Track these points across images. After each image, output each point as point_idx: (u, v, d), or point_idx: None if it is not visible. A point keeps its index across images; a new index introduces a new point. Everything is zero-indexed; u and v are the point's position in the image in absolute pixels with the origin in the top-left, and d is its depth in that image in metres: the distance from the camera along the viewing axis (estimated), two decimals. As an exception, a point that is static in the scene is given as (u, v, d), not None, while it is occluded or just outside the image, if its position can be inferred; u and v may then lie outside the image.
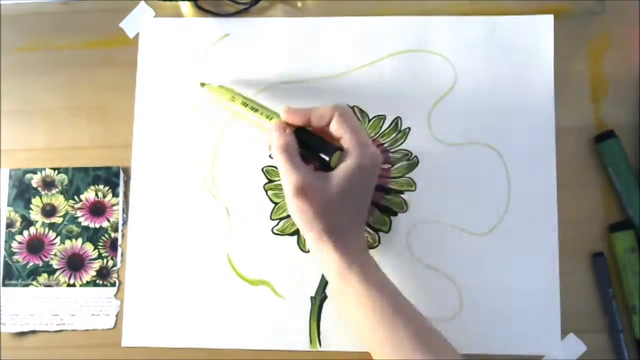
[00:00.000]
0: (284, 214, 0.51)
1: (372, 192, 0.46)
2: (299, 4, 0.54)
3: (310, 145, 0.46)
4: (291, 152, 0.44)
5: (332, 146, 0.45)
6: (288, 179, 0.43)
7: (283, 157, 0.44)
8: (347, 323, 0.48)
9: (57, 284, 0.51)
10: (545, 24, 0.52)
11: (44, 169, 0.53)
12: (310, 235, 0.44)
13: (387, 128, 0.52)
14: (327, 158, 0.44)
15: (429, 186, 0.51)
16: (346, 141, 0.44)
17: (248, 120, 0.48)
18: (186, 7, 0.54)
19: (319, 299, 0.50)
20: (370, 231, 0.51)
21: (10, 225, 0.52)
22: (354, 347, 0.49)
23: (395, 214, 0.51)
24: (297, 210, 0.43)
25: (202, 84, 0.51)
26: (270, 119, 0.47)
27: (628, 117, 0.51)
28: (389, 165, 0.51)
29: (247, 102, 0.48)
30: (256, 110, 0.48)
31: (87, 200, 0.52)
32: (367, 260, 0.44)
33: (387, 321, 0.41)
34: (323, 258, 0.44)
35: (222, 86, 0.51)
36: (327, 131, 0.45)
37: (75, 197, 0.52)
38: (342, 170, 0.44)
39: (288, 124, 0.46)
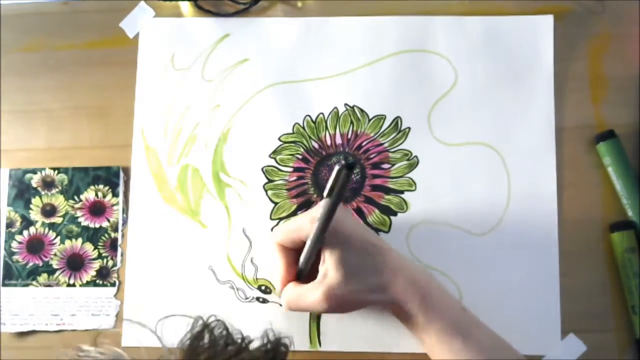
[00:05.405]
0: (284, 214, 0.51)
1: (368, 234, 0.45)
2: (299, 4, 0.54)
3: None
4: (285, 280, 0.46)
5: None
6: (310, 303, 0.44)
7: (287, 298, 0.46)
8: None
9: (57, 284, 0.51)
10: (545, 24, 0.52)
11: (44, 169, 0.53)
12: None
13: (387, 128, 0.52)
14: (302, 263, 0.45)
15: (429, 186, 0.51)
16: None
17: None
18: (186, 7, 0.54)
19: (319, 299, 0.50)
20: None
21: (10, 225, 0.52)
22: (354, 347, 0.49)
23: (395, 214, 0.51)
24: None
25: None
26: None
27: (628, 117, 0.51)
28: (389, 165, 0.51)
29: None
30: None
31: (87, 200, 0.52)
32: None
33: None
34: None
35: None
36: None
37: (75, 197, 0.52)
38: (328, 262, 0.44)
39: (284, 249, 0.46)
